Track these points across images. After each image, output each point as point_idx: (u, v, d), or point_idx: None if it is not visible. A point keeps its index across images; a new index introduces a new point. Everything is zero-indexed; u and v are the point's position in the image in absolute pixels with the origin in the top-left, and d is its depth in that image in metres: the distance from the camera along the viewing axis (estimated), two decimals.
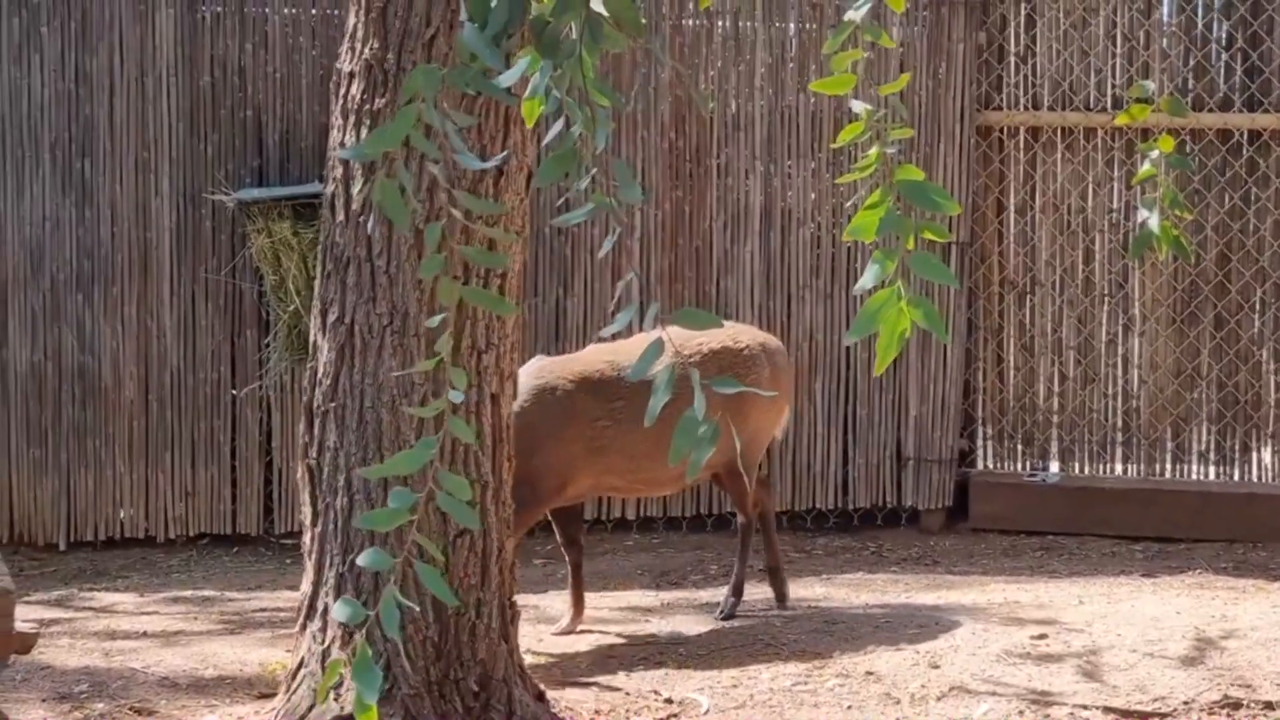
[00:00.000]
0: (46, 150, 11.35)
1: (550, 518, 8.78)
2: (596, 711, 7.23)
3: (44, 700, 7.19)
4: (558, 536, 8.88)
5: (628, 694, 7.53)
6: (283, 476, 11.27)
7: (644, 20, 4.17)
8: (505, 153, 6.46)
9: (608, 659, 8.13)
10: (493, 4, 4.26)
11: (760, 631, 8.57)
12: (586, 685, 7.67)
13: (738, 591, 8.90)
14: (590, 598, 8.93)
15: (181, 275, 11.32)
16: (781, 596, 9.07)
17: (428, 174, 6.19)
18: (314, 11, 11.31)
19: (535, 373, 8.45)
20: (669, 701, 7.44)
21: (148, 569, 10.76)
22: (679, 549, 10.88)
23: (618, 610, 9.14)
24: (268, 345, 11.10)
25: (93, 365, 11.32)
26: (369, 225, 6.53)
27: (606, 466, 8.52)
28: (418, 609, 6.29)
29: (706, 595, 9.44)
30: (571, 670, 7.90)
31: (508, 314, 6.62)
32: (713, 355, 8.70)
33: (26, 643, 7.11)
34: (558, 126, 4.31)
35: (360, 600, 6.43)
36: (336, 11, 11.08)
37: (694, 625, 8.76)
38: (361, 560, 4.65)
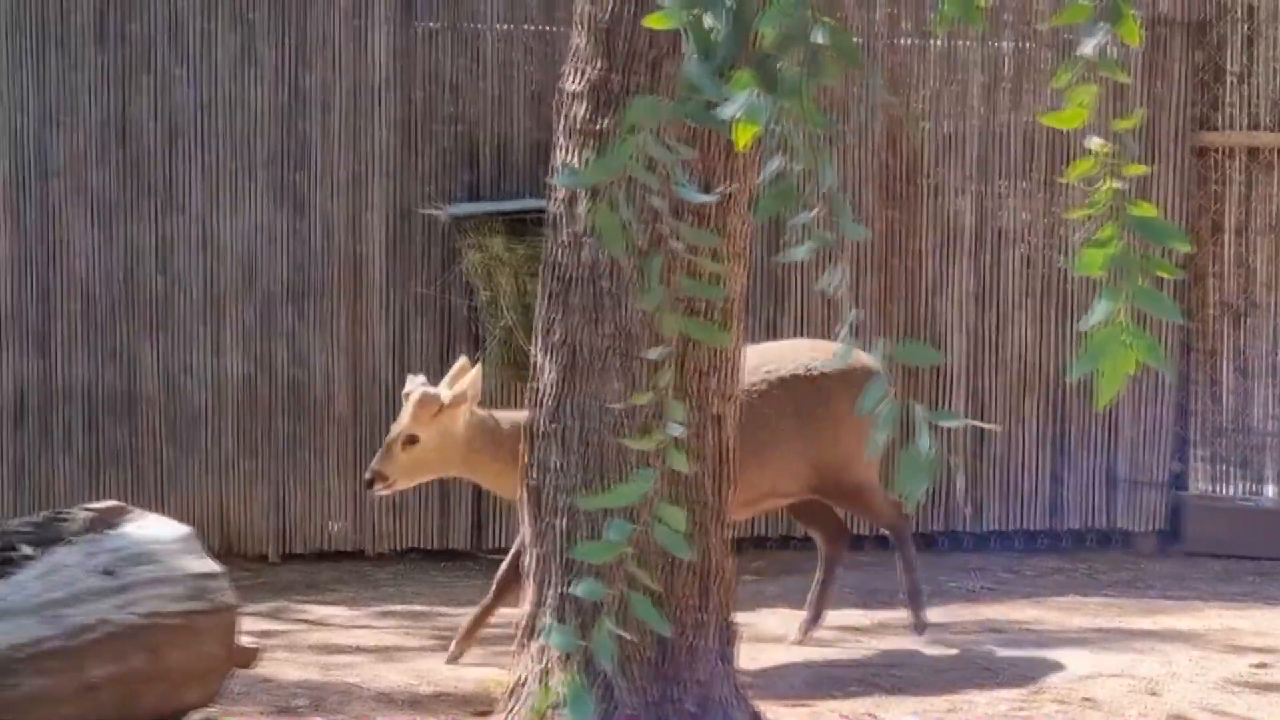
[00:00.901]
0: (262, 164, 11.54)
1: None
2: None
3: (264, 714, 7.30)
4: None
5: (841, 716, 7.54)
6: (489, 493, 11.32)
7: (859, 41, 4.24)
8: (729, 186, 6.49)
9: (821, 680, 8.14)
10: (716, 37, 4.33)
11: (974, 655, 8.57)
12: (800, 706, 7.68)
13: (914, 597, 8.93)
14: (800, 615, 8.96)
15: (393, 289, 11.47)
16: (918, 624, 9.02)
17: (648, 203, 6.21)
18: (528, 28, 11.42)
19: None
20: None
21: (358, 582, 10.85)
22: (887, 568, 10.85)
23: (829, 630, 9.14)
24: (478, 360, 11.21)
25: (304, 378, 11.49)
26: (591, 249, 6.59)
27: None
28: (634, 638, 6.32)
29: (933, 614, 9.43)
30: (785, 691, 7.92)
31: (726, 345, 6.65)
32: (788, 381, 8.66)
33: (247, 657, 7.23)
34: (777, 160, 4.36)
35: (579, 622, 6.51)
36: (550, 28, 11.19)
37: (906, 646, 8.76)
38: (578, 590, 4.72)
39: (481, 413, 8.35)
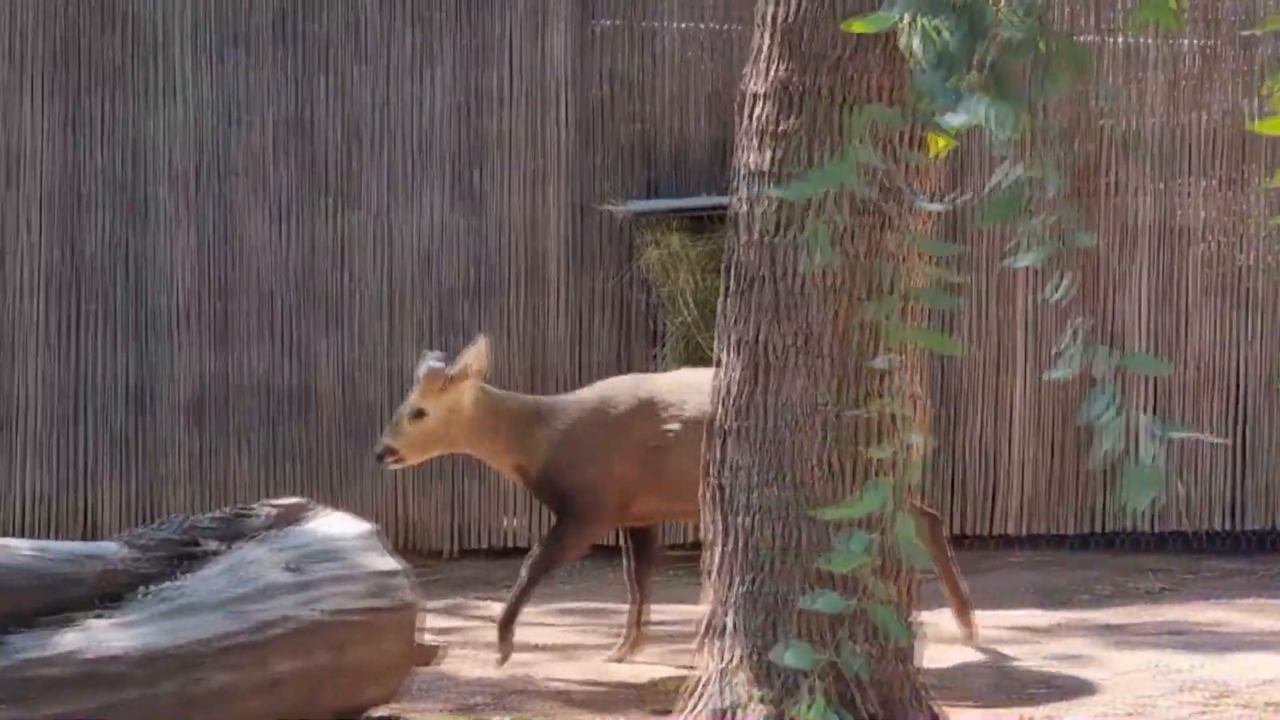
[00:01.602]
0: (439, 162, 11.60)
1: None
2: None
3: (444, 711, 7.33)
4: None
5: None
6: None
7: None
8: (958, 194, 6.42)
9: (1002, 681, 8.08)
10: (946, 46, 4.30)
11: (1156, 658, 8.47)
12: (980, 709, 7.62)
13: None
14: (979, 616, 8.89)
15: (571, 286, 11.51)
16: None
17: (864, 214, 6.11)
18: (705, 26, 11.43)
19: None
20: None
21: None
22: (1066, 567, 10.80)
23: (1008, 630, 9.07)
24: (657, 356, 11.21)
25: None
26: (774, 248, 6.57)
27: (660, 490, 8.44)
28: (874, 649, 6.26)
29: (1099, 616, 9.35)
30: (967, 692, 7.85)
31: (954, 352, 6.59)
32: None
33: (428, 655, 7.26)
34: (1007, 167, 4.33)
35: (760, 620, 6.50)
36: (728, 26, 11.19)
37: (1086, 648, 8.68)
38: (818, 604, 4.68)
39: (491, 391, 8.40)
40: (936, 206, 5.41)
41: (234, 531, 7.03)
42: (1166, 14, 4.70)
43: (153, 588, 6.68)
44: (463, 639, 8.90)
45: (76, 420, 11.59)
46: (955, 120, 4.33)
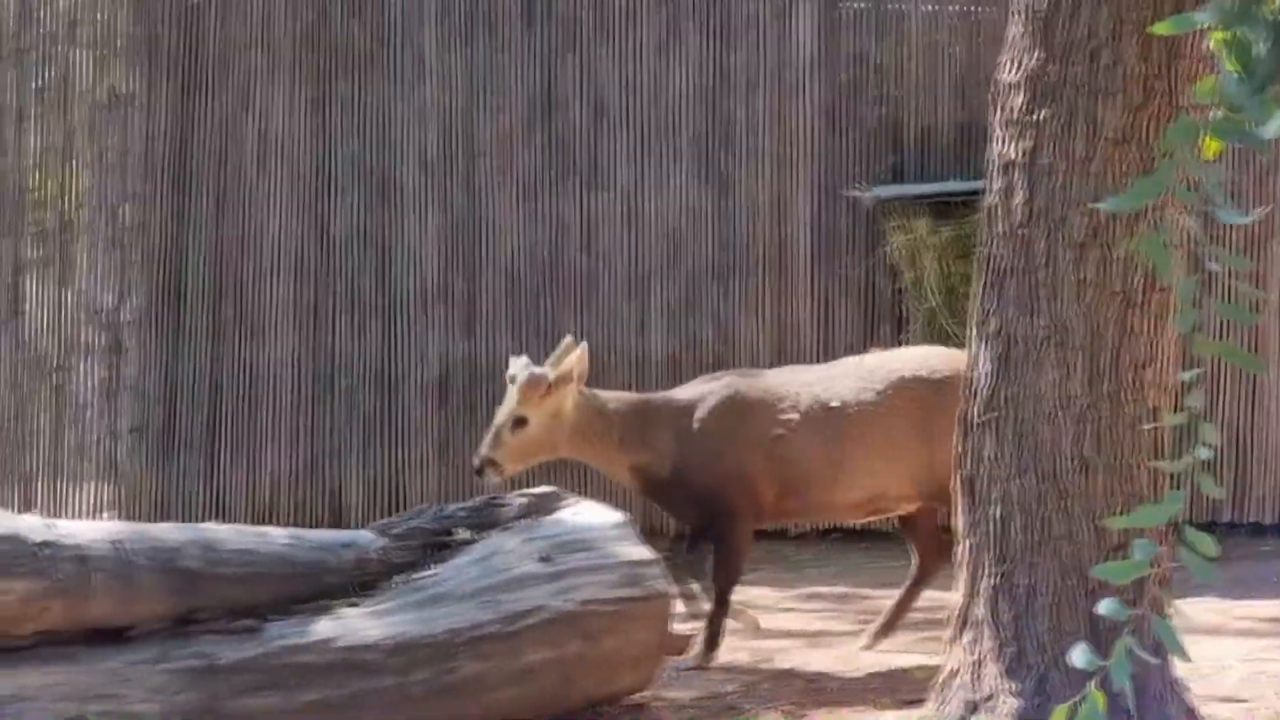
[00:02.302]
0: (686, 143, 11.67)
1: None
2: None
3: (696, 700, 7.32)
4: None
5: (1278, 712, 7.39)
6: None
7: None
8: (1267, 206, 6.35)
9: (1256, 675, 7.98)
10: (1259, 55, 4.28)
11: None
12: (1235, 702, 7.54)
13: None
14: (1230, 605, 8.82)
15: (817, 270, 11.52)
16: None
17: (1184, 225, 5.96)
18: (953, 8, 11.39)
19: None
20: None
21: (779, 563, 10.84)
22: None
23: (1263, 621, 8.97)
24: (902, 340, 11.20)
25: (730, 356, 11.58)
26: (1027, 240, 6.57)
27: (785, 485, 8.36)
28: (1155, 660, 6.20)
29: None
30: (1219, 686, 7.77)
31: (1260, 371, 6.52)
32: (911, 382, 8.35)
33: (680, 644, 7.32)
34: None
35: (1012, 614, 6.50)
36: (976, 8, 11.14)
37: None
38: (1101, 609, 4.65)
39: (589, 392, 8.23)
40: (1246, 219, 5.32)
41: (485, 521, 7.10)
42: None
43: (406, 577, 6.77)
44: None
45: (324, 402, 11.78)
46: (1268, 133, 4.29)
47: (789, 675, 7.82)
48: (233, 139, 12.21)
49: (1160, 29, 4.52)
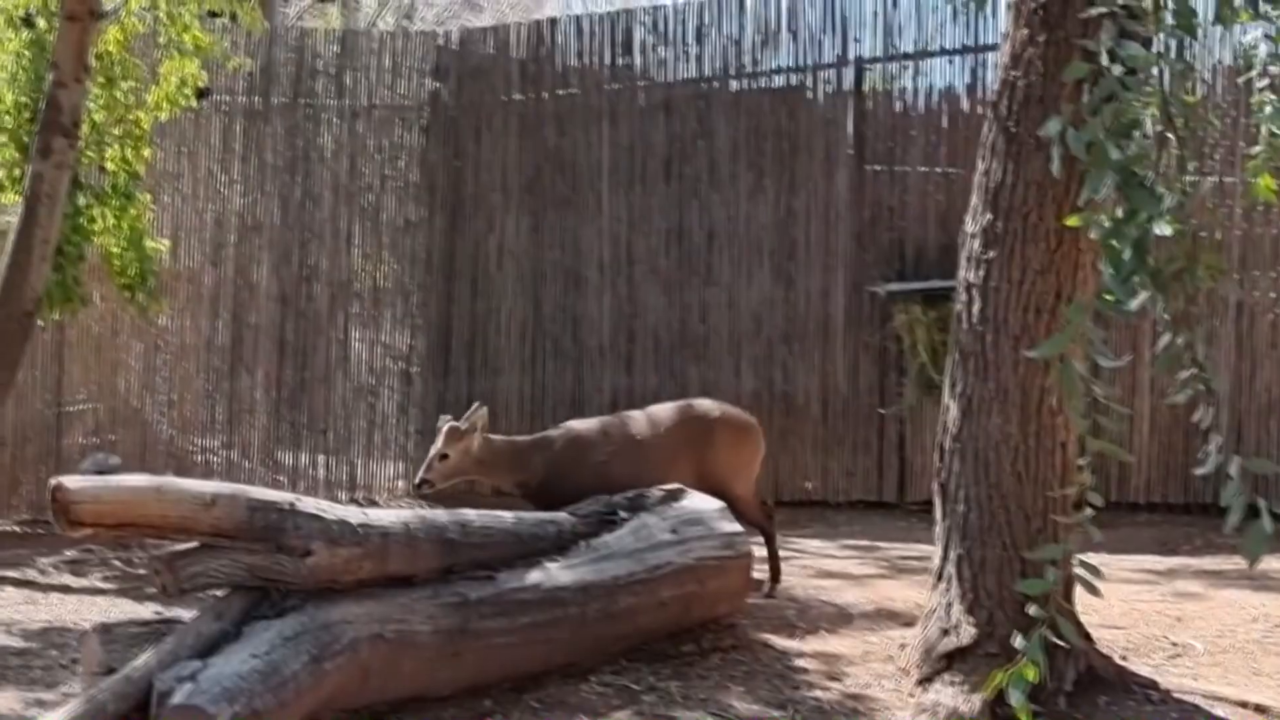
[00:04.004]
0: (766, 256, 11.66)
1: None
2: (1125, 648, 7.00)
3: (773, 626, 7.26)
4: None
5: (1145, 637, 7.24)
6: (908, 465, 11.25)
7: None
8: (1128, 357, 6.20)
9: (1133, 609, 7.72)
10: (1124, 256, 4.29)
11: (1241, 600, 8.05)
12: (1116, 629, 7.38)
13: (775, 577, 8.14)
14: (1112, 559, 8.63)
15: (849, 337, 11.47)
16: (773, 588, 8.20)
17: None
18: (938, 170, 11.29)
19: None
20: (1174, 644, 7.19)
21: (824, 523, 10.84)
22: (1174, 526, 10.35)
23: (1138, 571, 8.74)
24: (902, 384, 11.16)
25: (792, 392, 11.57)
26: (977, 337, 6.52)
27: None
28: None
29: (1199, 563, 8.97)
30: (1106, 618, 7.57)
31: (1128, 460, 6.30)
32: (683, 423, 8.19)
33: (757, 585, 7.26)
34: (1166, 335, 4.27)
35: (971, 575, 6.45)
36: (954, 170, 11.04)
37: (1193, 587, 8.31)
38: (1022, 588, 4.59)
39: (488, 437, 8.09)
40: (1117, 364, 5.22)
41: (637, 506, 7.10)
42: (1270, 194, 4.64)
43: (587, 543, 6.77)
44: (786, 567, 8.67)
45: (538, 418, 11.83)
46: (1132, 307, 4.31)
47: (828, 605, 7.75)
48: (480, 249, 12.32)
49: (1071, 222, 4.51)
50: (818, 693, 6.37)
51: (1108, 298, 4.42)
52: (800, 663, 6.75)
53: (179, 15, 9.70)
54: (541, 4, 16.77)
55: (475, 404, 8.17)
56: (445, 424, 8.07)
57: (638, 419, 8.38)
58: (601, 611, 6.51)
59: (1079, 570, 4.58)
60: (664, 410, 8.33)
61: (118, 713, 5.23)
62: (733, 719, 6.03)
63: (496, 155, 12.24)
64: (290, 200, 12.14)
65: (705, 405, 8.50)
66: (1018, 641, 5.11)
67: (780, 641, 7.03)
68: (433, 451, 8.03)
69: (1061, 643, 5.09)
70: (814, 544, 9.84)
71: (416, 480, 8.06)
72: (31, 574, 9.13)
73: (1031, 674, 4.63)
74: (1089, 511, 4.64)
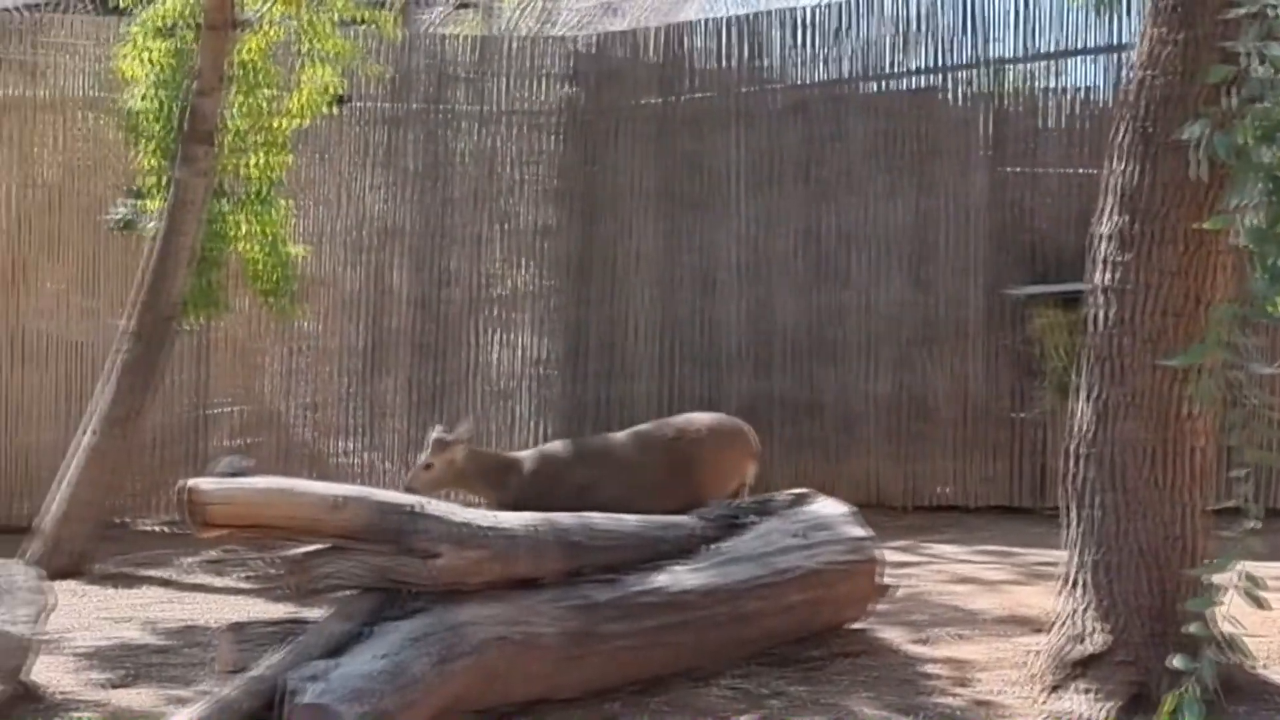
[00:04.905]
0: (902, 258, 11.56)
1: None
2: (1266, 657, 6.75)
3: (902, 632, 7.23)
4: None
5: None
6: (1045, 469, 11.01)
7: None
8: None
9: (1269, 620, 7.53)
10: (1273, 260, 4.23)
11: None
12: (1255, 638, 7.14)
13: None
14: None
15: (986, 340, 11.35)
16: None
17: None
18: (1075, 171, 11.10)
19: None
20: None
21: (959, 528, 10.69)
22: None
23: None
24: (1039, 388, 11.02)
25: (926, 396, 11.48)
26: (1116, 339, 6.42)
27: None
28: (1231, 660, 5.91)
29: None
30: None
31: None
32: (669, 443, 8.39)
33: (885, 590, 7.23)
34: None
35: (1107, 580, 6.36)
36: (1089, 170, 10.85)
37: None
38: (1192, 605, 4.52)
39: (473, 450, 8.28)
40: (1270, 370, 5.10)
41: (763, 510, 7.11)
42: None
43: (713, 546, 6.79)
44: (916, 571, 8.76)
45: None
46: None
47: (959, 610, 7.69)
48: (615, 253, 12.35)
49: (1209, 225, 4.42)
50: (946, 699, 6.32)
51: (1258, 303, 4.33)
52: (929, 668, 6.71)
53: (318, 23, 9.85)
54: (681, 8, 16.79)
55: (467, 418, 8.35)
56: (433, 434, 8.22)
57: (621, 441, 8.47)
58: (726, 615, 6.51)
59: (1241, 582, 4.50)
60: (650, 430, 8.44)
61: (250, 710, 5.35)
62: None
63: (631, 159, 12.29)
64: (427, 205, 12.29)
65: (692, 421, 8.68)
66: (1177, 660, 5.00)
67: (909, 647, 6.99)
68: (419, 461, 8.19)
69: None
70: (948, 549, 9.75)
71: (403, 487, 8.12)
72: (173, 574, 9.35)
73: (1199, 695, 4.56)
74: (1254, 524, 4.55)
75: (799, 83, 11.87)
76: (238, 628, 5.90)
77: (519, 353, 12.55)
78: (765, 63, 11.97)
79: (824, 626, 6.93)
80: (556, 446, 8.82)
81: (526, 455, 8.56)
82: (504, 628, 5.84)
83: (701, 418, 8.86)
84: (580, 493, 7.91)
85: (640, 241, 12.26)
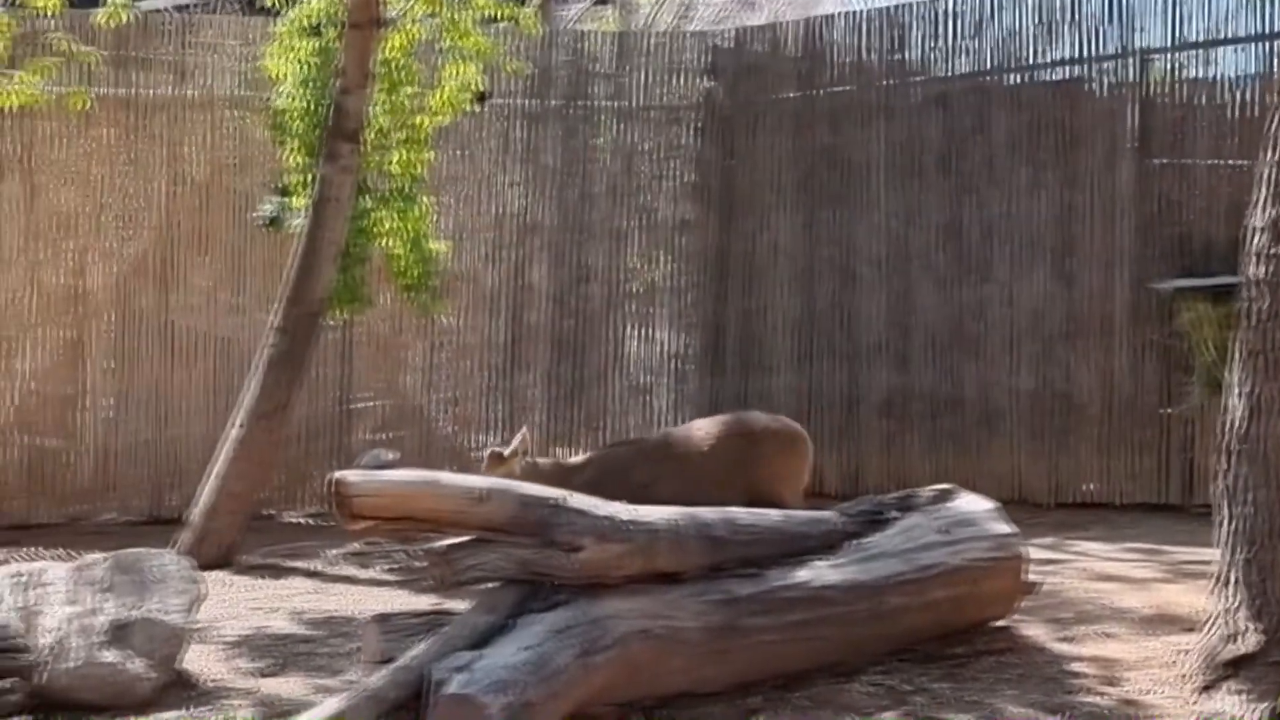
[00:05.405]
0: (1045, 252, 11.42)
1: None
2: None
3: (1048, 630, 7.12)
4: None
5: None
6: (1194, 466, 10.82)
7: None
8: None
9: None
10: None
11: None
12: None
13: None
14: None
15: (1132, 335, 11.16)
16: None
17: None
18: (1224, 163, 10.88)
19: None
20: None
21: (1105, 525, 10.49)
22: None
23: None
24: (1188, 383, 10.82)
25: (1072, 391, 11.32)
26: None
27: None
28: None
29: None
30: None
31: None
32: (729, 439, 8.44)
33: (1030, 588, 7.14)
34: None
35: (1255, 578, 6.25)
36: (1240, 162, 10.62)
37: None
38: None
39: (530, 460, 8.28)
40: None
41: (906, 506, 7.06)
42: None
43: (855, 542, 6.76)
44: (1060, 569, 8.58)
45: (812, 414, 11.81)
46: None
47: (1106, 608, 7.57)
48: (753, 247, 12.35)
49: None
50: (1094, 698, 6.24)
51: None
52: (1075, 667, 6.62)
53: (460, 20, 9.95)
54: (818, 2, 16.77)
55: (523, 429, 8.41)
56: (489, 450, 8.36)
57: (681, 437, 8.46)
58: (869, 611, 6.48)
59: None
60: (709, 426, 8.42)
61: (397, 700, 5.42)
62: None
63: (769, 153, 12.26)
64: (566, 201, 12.36)
65: (751, 419, 8.71)
66: None
67: (1055, 645, 6.90)
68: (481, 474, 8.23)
69: None
70: (1094, 547, 9.60)
71: None
72: (318, 565, 9.50)
73: None
74: None
75: (940, 75, 11.76)
76: (384, 619, 5.98)
77: (657, 347, 12.58)
78: (906, 55, 11.88)
79: (967, 623, 6.87)
80: (616, 448, 8.89)
81: (585, 461, 8.63)
82: (646, 621, 5.87)
83: (760, 418, 8.95)
84: (641, 491, 7.87)
85: (779, 235, 12.23)
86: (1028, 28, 11.47)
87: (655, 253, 12.59)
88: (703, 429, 8.66)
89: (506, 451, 8.29)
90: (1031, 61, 11.48)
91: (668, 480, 8.14)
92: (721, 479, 8.21)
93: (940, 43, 11.75)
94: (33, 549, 10.01)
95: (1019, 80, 11.52)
